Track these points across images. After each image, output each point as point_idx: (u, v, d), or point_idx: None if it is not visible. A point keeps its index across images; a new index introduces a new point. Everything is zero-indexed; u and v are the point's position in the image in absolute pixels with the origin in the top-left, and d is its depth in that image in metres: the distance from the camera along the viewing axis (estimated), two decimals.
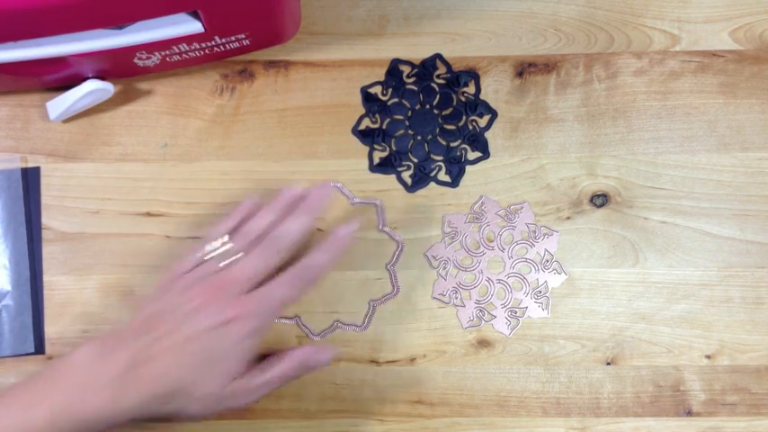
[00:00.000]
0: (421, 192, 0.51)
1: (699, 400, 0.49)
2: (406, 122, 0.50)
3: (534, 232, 0.51)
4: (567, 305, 0.50)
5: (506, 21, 0.53)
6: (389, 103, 0.51)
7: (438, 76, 0.52)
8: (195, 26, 0.45)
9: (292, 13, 0.50)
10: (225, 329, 0.41)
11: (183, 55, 0.48)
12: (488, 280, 0.50)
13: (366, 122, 0.51)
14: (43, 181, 0.51)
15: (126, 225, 0.51)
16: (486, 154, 0.50)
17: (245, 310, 0.41)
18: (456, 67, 0.52)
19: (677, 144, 0.51)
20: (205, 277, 0.43)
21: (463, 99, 0.51)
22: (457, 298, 0.50)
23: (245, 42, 0.49)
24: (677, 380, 0.49)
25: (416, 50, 0.52)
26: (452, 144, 0.51)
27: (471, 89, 0.51)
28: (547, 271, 0.50)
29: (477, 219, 0.51)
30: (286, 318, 0.50)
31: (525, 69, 0.52)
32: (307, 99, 0.52)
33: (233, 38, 0.48)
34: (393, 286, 0.50)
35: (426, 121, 0.50)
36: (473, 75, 0.50)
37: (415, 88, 0.51)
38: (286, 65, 0.52)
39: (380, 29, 0.53)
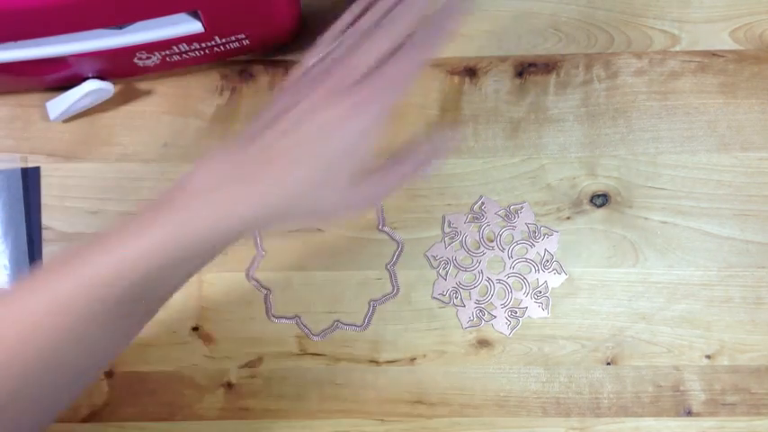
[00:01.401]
0: (421, 191, 0.51)
1: (699, 400, 0.49)
2: None
3: (534, 232, 0.51)
4: (566, 305, 0.50)
5: (506, 21, 0.53)
6: None
7: None
8: (195, 26, 0.45)
9: (292, 13, 0.50)
10: (347, 120, 0.37)
11: (183, 55, 0.48)
12: (488, 280, 0.50)
13: None
14: (43, 181, 0.51)
15: None
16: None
17: (366, 93, 0.37)
18: (456, 68, 0.52)
19: (677, 144, 0.51)
20: (319, 75, 0.39)
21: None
22: (457, 298, 0.50)
23: (245, 42, 0.49)
24: (677, 380, 0.49)
25: None
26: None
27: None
28: (547, 271, 0.50)
29: (477, 219, 0.51)
30: (286, 318, 0.50)
31: (525, 69, 0.52)
32: None
33: (233, 38, 0.48)
34: (393, 286, 0.50)
35: None
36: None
37: None
38: (286, 65, 0.52)
39: None
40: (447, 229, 0.51)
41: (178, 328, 0.50)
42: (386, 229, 0.51)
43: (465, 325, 0.50)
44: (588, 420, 0.49)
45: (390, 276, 0.50)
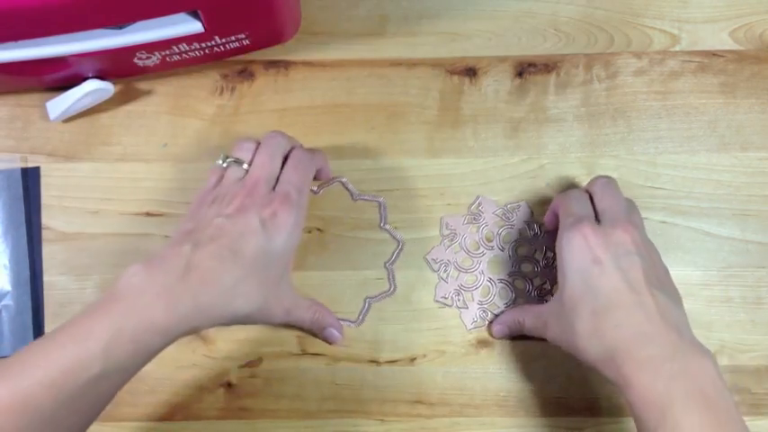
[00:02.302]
0: (421, 191, 0.51)
1: None
2: None
3: (534, 232, 0.51)
4: None
5: (506, 21, 0.53)
6: None
7: None
8: (195, 26, 0.45)
9: (292, 13, 0.50)
10: (272, 225, 0.41)
11: (183, 55, 0.48)
12: (490, 281, 0.50)
13: None
14: (43, 181, 0.51)
15: (126, 225, 0.51)
16: None
17: (284, 200, 0.42)
18: (456, 68, 0.52)
19: (677, 144, 0.51)
20: (232, 185, 0.43)
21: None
22: (459, 300, 0.50)
23: (245, 42, 0.49)
24: None
25: (416, 50, 0.52)
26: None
27: None
28: (547, 271, 0.50)
29: (474, 219, 0.51)
30: None
31: (525, 69, 0.52)
32: (307, 99, 0.52)
33: (233, 38, 0.48)
34: (390, 284, 0.50)
35: None
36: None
37: None
38: (286, 65, 0.52)
39: (380, 29, 0.53)
40: (445, 232, 0.51)
41: None
42: (387, 227, 0.51)
43: (469, 326, 0.50)
44: (588, 420, 0.49)
45: (388, 274, 0.50)
